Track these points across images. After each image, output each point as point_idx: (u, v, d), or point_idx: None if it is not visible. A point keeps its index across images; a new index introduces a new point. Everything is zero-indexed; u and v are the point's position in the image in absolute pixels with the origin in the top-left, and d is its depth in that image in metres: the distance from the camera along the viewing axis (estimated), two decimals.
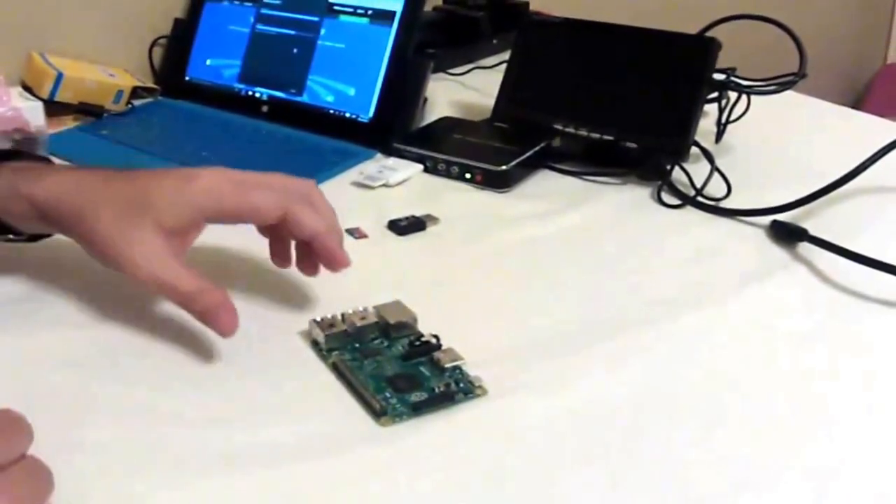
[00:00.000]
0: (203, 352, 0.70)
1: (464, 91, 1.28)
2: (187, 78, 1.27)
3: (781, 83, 1.06)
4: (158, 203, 0.69)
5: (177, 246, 0.70)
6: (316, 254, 0.73)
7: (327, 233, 0.72)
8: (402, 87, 1.11)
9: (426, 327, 0.71)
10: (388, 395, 0.64)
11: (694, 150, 1.01)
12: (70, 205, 0.70)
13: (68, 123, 1.17)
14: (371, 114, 1.10)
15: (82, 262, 0.80)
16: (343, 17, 1.16)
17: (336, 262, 0.72)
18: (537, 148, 1.02)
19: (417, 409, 0.63)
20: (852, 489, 0.57)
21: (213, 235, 0.86)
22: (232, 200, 0.70)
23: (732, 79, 1.06)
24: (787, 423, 0.62)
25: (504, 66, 1.12)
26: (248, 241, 0.85)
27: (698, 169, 0.98)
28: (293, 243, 0.76)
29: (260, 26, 1.22)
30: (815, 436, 0.61)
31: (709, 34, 1.07)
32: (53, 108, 1.13)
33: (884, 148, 0.89)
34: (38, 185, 0.72)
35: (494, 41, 1.42)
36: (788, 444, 0.60)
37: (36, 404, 0.61)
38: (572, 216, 0.92)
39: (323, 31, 1.17)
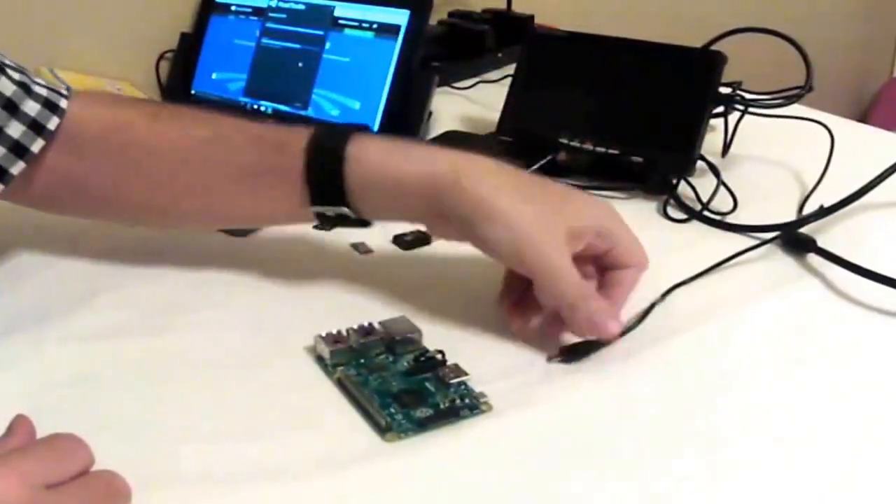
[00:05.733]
0: (209, 368, 0.70)
1: (469, 105, 1.28)
2: (193, 92, 1.27)
3: (787, 96, 1.06)
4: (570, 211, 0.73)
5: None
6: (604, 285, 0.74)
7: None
8: (408, 101, 1.10)
9: (431, 343, 0.71)
10: (393, 410, 0.64)
11: (700, 164, 1.01)
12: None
13: None
14: (376, 128, 1.10)
15: (90, 277, 0.81)
16: (348, 31, 1.16)
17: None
18: (542, 162, 1.01)
19: (423, 425, 0.63)
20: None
21: (217, 250, 0.86)
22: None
23: (738, 92, 1.06)
24: (792, 436, 0.62)
25: (509, 79, 1.12)
26: (253, 256, 0.85)
27: (704, 183, 0.98)
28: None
29: (265, 40, 1.22)
30: (819, 449, 0.61)
31: (714, 48, 1.07)
32: None
33: (894, 165, 0.89)
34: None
35: (499, 55, 1.42)
36: (793, 457, 0.60)
37: (44, 419, 0.61)
38: None
39: (328, 45, 1.17)
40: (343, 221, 0.77)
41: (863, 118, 2.43)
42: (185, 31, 1.33)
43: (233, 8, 1.26)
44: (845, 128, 1.11)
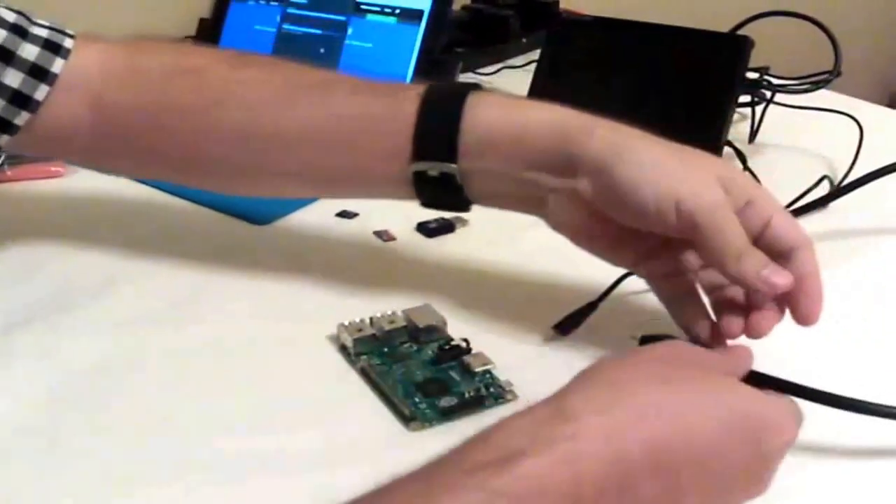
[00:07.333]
0: (231, 357, 0.69)
1: None
2: None
3: (815, 81, 1.05)
4: None
5: None
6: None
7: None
8: None
9: (455, 331, 0.70)
10: (417, 399, 0.63)
11: (727, 150, 0.99)
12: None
13: None
14: None
15: (110, 266, 0.80)
16: (370, 17, 1.15)
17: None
18: None
19: (447, 415, 0.62)
20: None
21: (239, 238, 0.86)
22: None
23: (766, 77, 1.05)
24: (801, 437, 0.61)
25: (533, 65, 1.11)
26: (275, 244, 0.85)
27: None
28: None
29: (286, 26, 1.21)
30: (828, 455, 0.60)
31: (741, 32, 1.06)
32: None
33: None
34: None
35: (524, 40, 1.41)
36: (802, 459, 0.59)
37: (60, 409, 0.61)
38: None
39: (350, 31, 1.16)
40: (441, 192, 0.70)
41: (891, 103, 2.41)
42: (203, 16, 1.32)
43: None
44: (875, 114, 1.11)
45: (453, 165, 0.68)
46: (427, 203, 0.72)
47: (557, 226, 0.69)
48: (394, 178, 0.71)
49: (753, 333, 0.62)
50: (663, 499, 0.47)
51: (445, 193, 0.70)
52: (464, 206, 0.71)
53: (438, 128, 0.67)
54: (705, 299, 0.66)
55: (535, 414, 0.48)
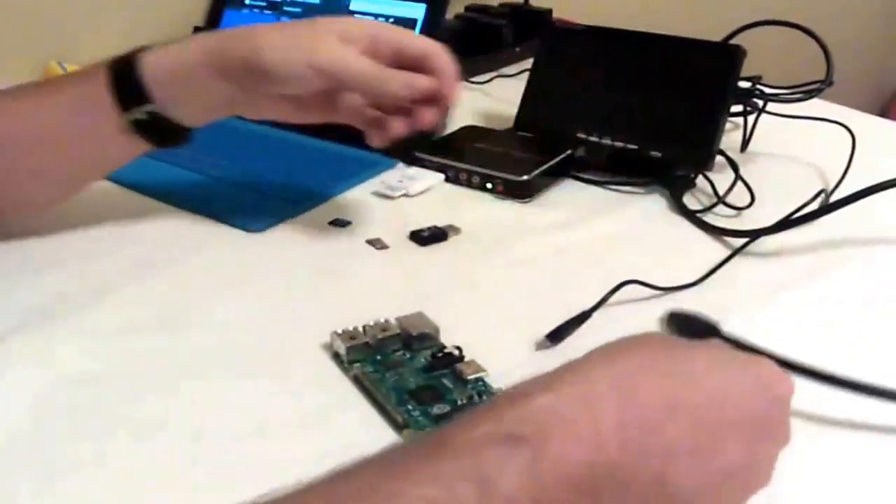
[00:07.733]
0: (224, 365, 0.69)
1: (486, 99, 1.27)
2: None
3: (807, 91, 1.05)
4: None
5: None
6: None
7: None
8: None
9: (448, 339, 0.70)
10: (410, 407, 0.63)
11: (720, 159, 1.00)
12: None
13: None
14: None
15: (105, 273, 0.80)
16: None
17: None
18: (560, 157, 1.01)
19: (440, 422, 0.62)
20: None
21: (233, 246, 0.85)
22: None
23: (758, 86, 1.05)
24: (805, 437, 0.61)
25: (526, 74, 1.12)
26: (268, 252, 0.84)
27: (725, 178, 0.97)
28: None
29: None
30: (829, 460, 0.60)
31: (733, 41, 1.06)
32: None
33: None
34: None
35: (517, 49, 1.42)
36: (802, 459, 0.59)
37: (54, 416, 0.61)
38: (596, 226, 0.91)
39: None
40: (161, 129, 0.80)
41: (883, 112, 2.42)
42: (198, 24, 1.32)
43: (247, 1, 1.26)
44: (866, 123, 1.11)
45: (150, 104, 0.79)
46: (157, 143, 0.82)
47: (257, 116, 0.85)
48: (121, 134, 0.80)
49: (419, 124, 0.81)
50: (694, 441, 0.46)
51: (164, 129, 0.81)
52: (184, 133, 0.83)
53: (124, 80, 0.79)
54: None
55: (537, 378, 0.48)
